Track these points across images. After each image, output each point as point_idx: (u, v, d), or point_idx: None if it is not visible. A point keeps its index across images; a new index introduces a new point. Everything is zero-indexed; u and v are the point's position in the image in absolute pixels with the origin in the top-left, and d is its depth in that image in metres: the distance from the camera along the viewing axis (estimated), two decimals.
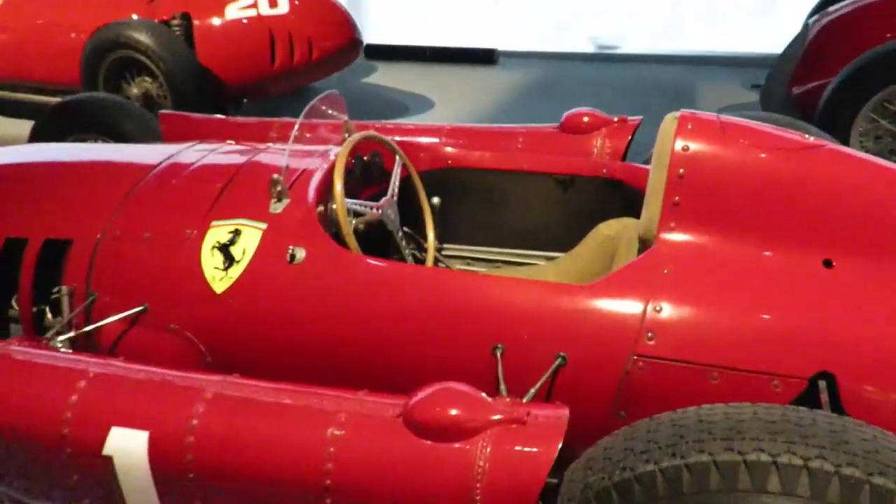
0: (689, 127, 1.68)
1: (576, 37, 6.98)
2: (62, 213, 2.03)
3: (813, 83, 3.87)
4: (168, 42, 4.38)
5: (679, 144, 1.66)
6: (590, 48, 6.91)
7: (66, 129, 3.01)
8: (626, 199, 2.26)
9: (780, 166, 1.64)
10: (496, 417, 1.30)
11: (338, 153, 1.97)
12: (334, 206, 1.91)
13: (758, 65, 5.85)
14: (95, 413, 1.48)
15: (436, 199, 2.36)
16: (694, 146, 1.65)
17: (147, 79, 4.50)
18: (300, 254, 1.76)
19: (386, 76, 6.41)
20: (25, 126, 5.15)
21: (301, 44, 4.68)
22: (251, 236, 1.82)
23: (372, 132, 2.14)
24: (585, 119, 2.57)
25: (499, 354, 1.59)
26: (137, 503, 1.48)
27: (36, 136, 3.05)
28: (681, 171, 1.64)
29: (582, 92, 5.83)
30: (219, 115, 2.93)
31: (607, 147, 2.52)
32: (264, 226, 1.83)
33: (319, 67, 4.93)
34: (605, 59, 6.75)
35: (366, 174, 2.23)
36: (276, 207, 1.85)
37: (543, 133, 2.61)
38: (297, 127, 1.98)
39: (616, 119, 2.55)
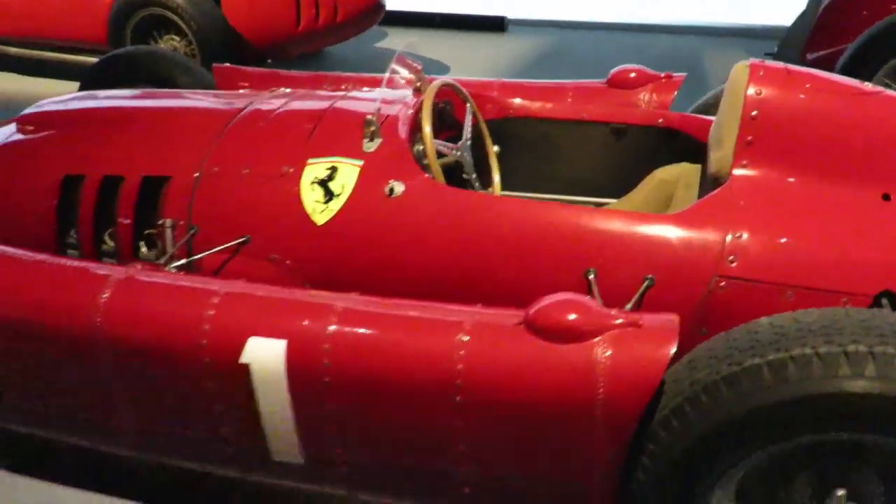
0: (761, 73, 1.84)
1: (586, 5, 7.07)
2: (157, 152, 2.14)
3: (828, 49, 4.04)
4: (197, 0, 4.42)
5: (752, 89, 1.81)
6: (600, 17, 7.01)
7: (120, 80, 3.07)
8: (677, 149, 2.42)
9: (842, 108, 1.81)
10: (615, 322, 1.45)
11: (422, 98, 2.10)
12: (421, 147, 2.04)
13: (767, 37, 6.01)
14: (233, 324, 1.61)
15: (496, 148, 2.50)
16: (765, 91, 1.81)
17: (175, 37, 4.56)
18: (399, 188, 1.89)
19: (398, 42, 6.46)
20: (48, 84, 5.20)
21: (326, 6, 4.76)
22: (349, 172, 1.95)
23: (449, 80, 2.26)
24: (632, 75, 2.71)
25: (591, 277, 1.75)
26: (270, 410, 1.61)
27: (89, 87, 3.11)
28: (754, 112, 1.80)
29: (592, 61, 5.94)
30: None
31: (654, 101, 2.66)
32: (361, 163, 1.96)
33: (342, 30, 5.01)
34: (615, 29, 6.86)
35: (439, 121, 2.35)
36: (370, 146, 1.98)
37: (592, 88, 2.75)
38: (386, 75, 2.12)
39: (663, 75, 2.69)
